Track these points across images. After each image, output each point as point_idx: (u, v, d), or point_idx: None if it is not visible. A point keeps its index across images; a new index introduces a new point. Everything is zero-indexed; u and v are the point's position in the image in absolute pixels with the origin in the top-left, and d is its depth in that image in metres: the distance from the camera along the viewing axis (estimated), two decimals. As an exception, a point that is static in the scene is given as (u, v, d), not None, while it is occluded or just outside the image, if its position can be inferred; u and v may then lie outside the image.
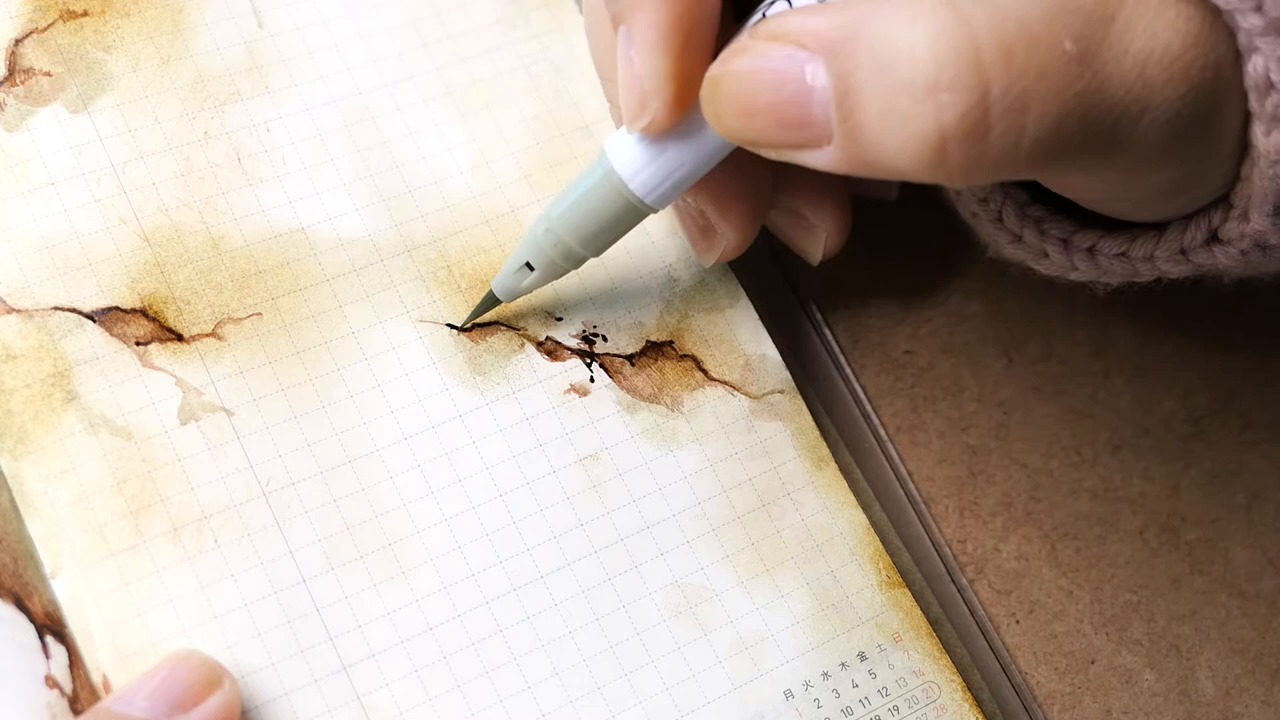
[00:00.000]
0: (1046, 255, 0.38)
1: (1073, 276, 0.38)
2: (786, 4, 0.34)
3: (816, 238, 0.41)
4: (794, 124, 0.32)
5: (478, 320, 0.40)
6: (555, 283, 0.40)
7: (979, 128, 0.30)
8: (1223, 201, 0.34)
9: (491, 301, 0.39)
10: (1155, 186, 0.34)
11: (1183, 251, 0.35)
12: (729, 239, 0.39)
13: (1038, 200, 0.38)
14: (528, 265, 0.38)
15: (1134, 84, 0.30)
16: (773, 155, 0.33)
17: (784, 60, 0.31)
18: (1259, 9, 0.30)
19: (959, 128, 0.30)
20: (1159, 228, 0.36)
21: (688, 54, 0.34)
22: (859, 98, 0.30)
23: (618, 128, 0.37)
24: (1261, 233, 0.33)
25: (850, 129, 0.31)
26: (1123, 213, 0.36)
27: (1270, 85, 0.31)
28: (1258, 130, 0.31)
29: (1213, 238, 0.35)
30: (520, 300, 0.40)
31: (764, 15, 0.34)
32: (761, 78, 0.32)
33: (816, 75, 0.31)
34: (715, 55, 0.34)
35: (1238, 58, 0.31)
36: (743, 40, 0.33)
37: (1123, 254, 0.36)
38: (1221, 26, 0.31)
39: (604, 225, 0.37)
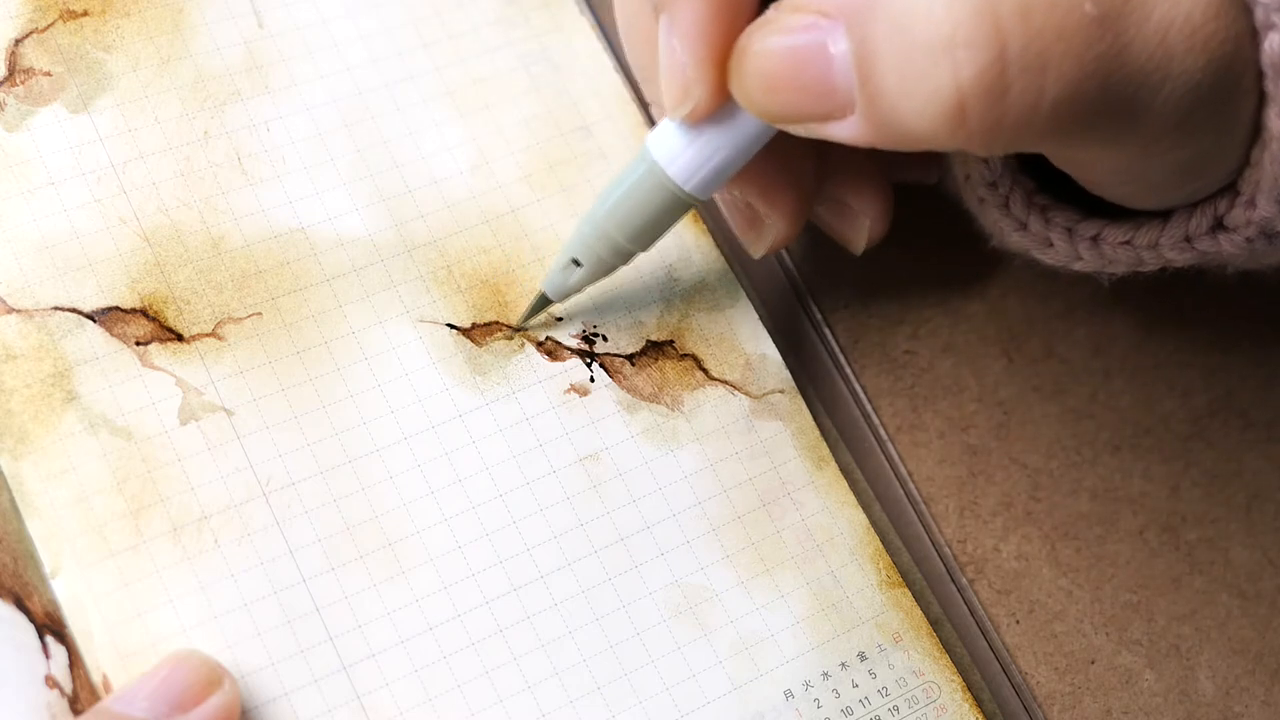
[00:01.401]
0: (1051, 244, 0.37)
1: (1076, 266, 0.38)
2: None
3: (860, 225, 0.41)
4: (817, 94, 0.32)
5: (478, 320, 0.40)
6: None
7: (997, 86, 0.30)
8: (1230, 189, 0.34)
9: (544, 302, 0.39)
10: (1169, 167, 0.33)
11: (1188, 239, 0.35)
12: (778, 228, 0.40)
13: (1044, 189, 0.37)
14: (575, 262, 0.38)
15: (1155, 50, 0.30)
16: (800, 131, 0.33)
17: (806, 30, 0.31)
18: None
19: (977, 85, 0.30)
20: (1164, 215, 0.36)
21: (730, 39, 0.34)
22: (878, 60, 0.30)
23: (657, 121, 0.37)
24: (1268, 219, 0.33)
25: (870, 93, 0.31)
26: (1132, 197, 0.36)
27: None
28: (1271, 113, 0.31)
29: (1218, 225, 0.34)
30: (520, 300, 0.40)
31: None
32: (784, 49, 0.32)
33: (837, 42, 0.31)
34: None
35: (1254, 36, 0.31)
36: (768, 14, 0.33)
37: (1127, 242, 0.36)
38: (1241, 2, 0.31)
39: (648, 218, 0.37)
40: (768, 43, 0.32)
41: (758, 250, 0.41)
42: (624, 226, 0.37)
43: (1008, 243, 0.39)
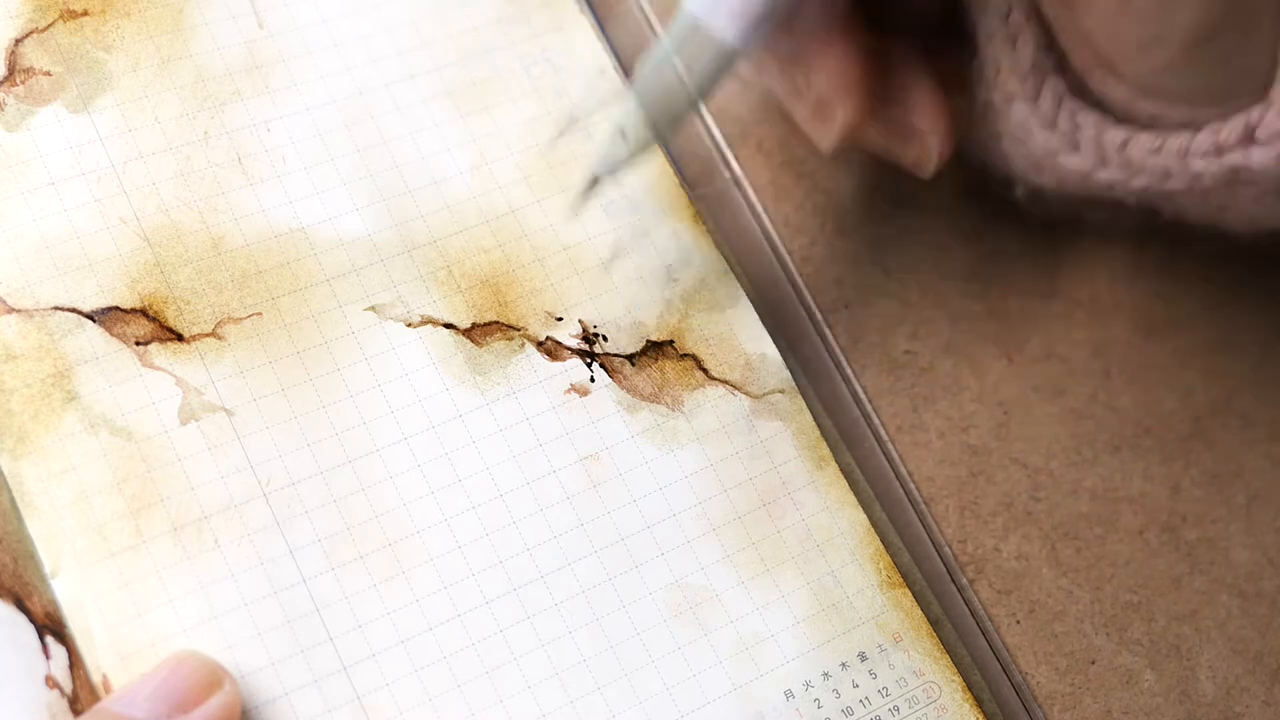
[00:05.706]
0: (1078, 147, 0.37)
1: (1101, 175, 0.38)
2: None
3: (926, 144, 0.40)
4: None
5: (478, 320, 0.40)
6: (554, 282, 0.40)
7: None
8: (1262, 101, 0.34)
9: (594, 182, 0.39)
10: (1191, 21, 0.34)
11: (1218, 149, 0.35)
12: (846, 111, 0.39)
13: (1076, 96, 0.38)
14: (622, 135, 0.38)
15: None
16: None
17: None
18: None
19: None
20: (1194, 128, 0.36)
21: None
22: None
23: None
24: None
25: None
26: (1158, 82, 0.36)
27: None
28: None
29: (1250, 137, 0.35)
30: (520, 300, 0.40)
31: None
32: None
33: None
34: None
35: None
36: None
37: (1156, 150, 0.36)
38: None
39: (692, 70, 0.37)
40: None
41: (828, 141, 0.40)
42: (668, 83, 0.38)
43: (1032, 144, 0.38)
